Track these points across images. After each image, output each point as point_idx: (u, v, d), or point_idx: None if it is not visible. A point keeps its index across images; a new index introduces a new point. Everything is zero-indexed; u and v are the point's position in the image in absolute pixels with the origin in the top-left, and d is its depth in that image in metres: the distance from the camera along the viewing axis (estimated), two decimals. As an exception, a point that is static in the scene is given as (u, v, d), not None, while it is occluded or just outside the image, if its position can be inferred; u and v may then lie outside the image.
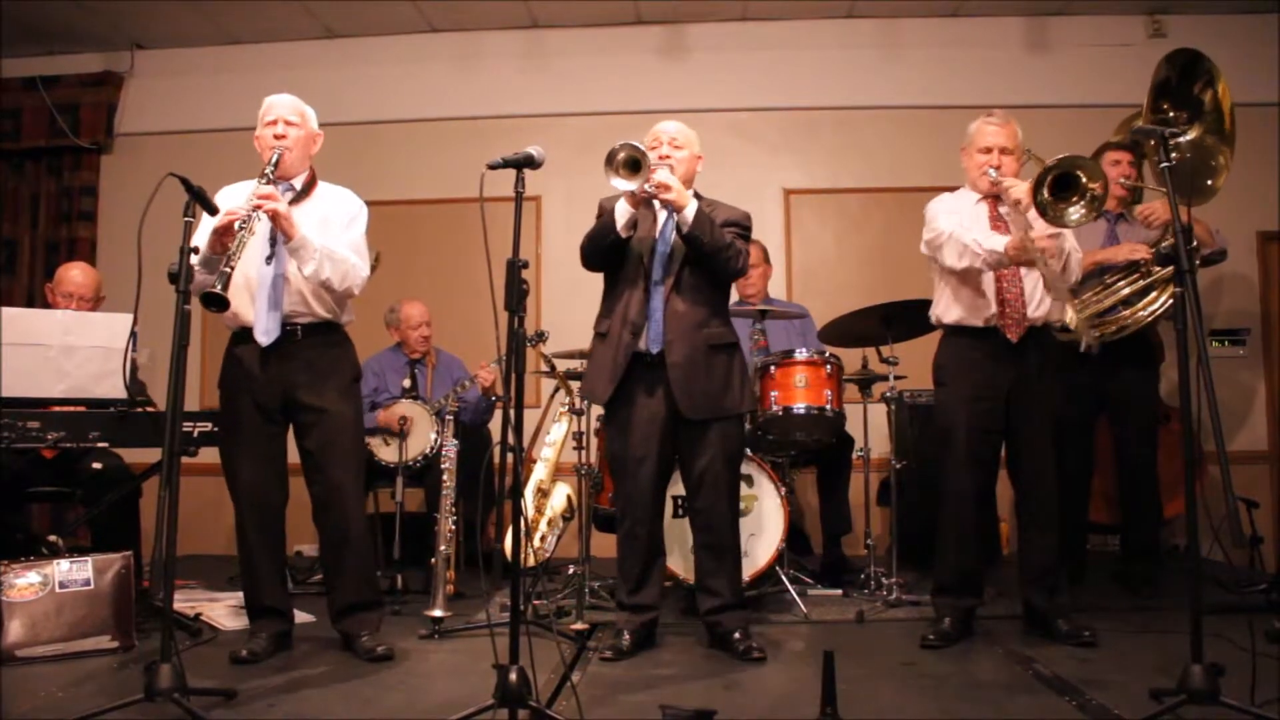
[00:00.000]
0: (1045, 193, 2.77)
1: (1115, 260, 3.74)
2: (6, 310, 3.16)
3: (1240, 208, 5.22)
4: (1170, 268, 3.57)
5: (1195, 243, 3.56)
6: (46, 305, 3.82)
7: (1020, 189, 2.93)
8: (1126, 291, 3.72)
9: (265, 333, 2.84)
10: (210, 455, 3.31)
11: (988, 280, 3.06)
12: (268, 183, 2.77)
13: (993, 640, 3.07)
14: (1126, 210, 3.92)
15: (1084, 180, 2.76)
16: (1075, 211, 2.77)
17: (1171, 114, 3.81)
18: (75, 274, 3.82)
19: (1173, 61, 3.94)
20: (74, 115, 5.65)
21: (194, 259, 2.77)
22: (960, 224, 3.06)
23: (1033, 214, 2.88)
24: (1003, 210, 3.11)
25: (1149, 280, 3.69)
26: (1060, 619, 3.02)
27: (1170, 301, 3.58)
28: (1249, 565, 4.22)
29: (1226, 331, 5.24)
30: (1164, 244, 3.67)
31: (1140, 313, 3.69)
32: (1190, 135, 3.92)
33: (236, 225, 2.63)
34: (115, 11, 5.31)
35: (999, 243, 2.96)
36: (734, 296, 3.72)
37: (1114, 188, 3.71)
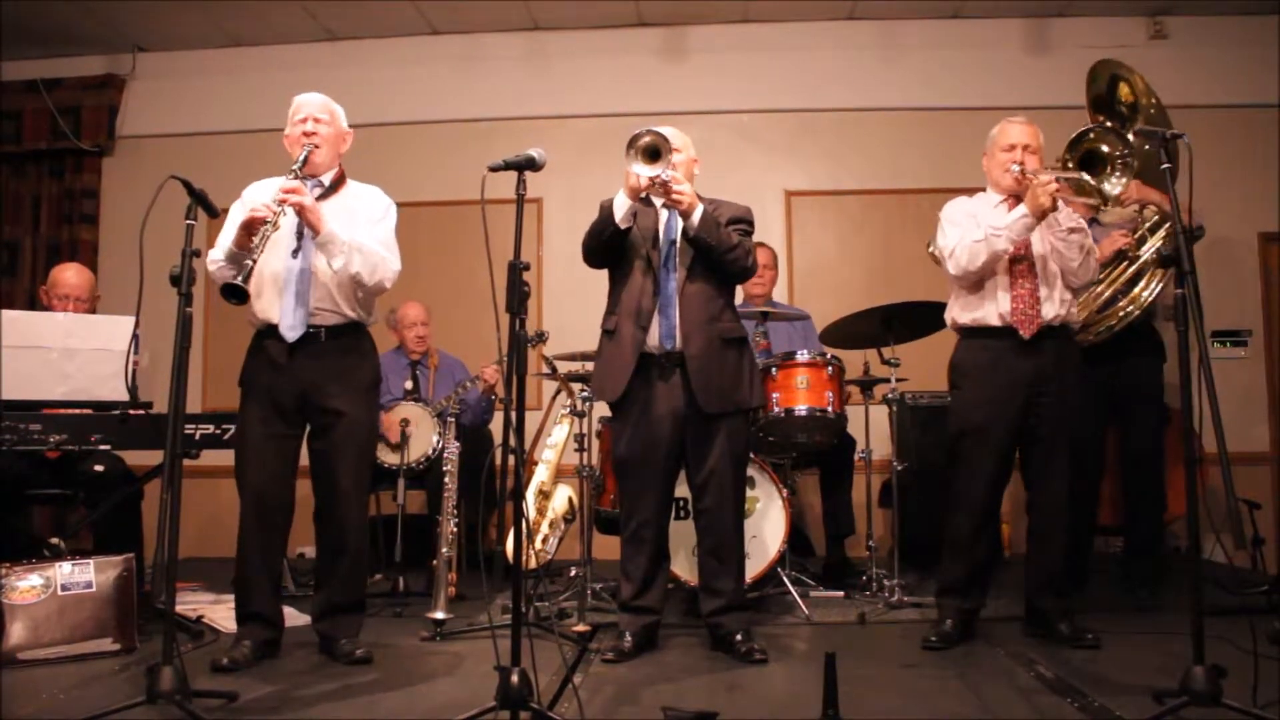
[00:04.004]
0: (1080, 175, 2.81)
1: (1104, 256, 3.81)
2: (8, 313, 3.17)
3: (1241, 208, 5.24)
4: (1153, 248, 3.80)
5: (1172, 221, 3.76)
6: (43, 307, 3.81)
7: (1049, 181, 2.94)
8: (1121, 281, 3.81)
9: (291, 328, 2.82)
10: (212, 458, 3.32)
11: (1001, 278, 3.06)
12: (294, 178, 2.77)
13: (994, 642, 3.07)
14: (1097, 214, 4.00)
15: (1106, 150, 2.81)
16: (1114, 181, 2.82)
17: (1109, 124, 3.92)
18: (70, 275, 3.80)
19: (1098, 75, 4.14)
20: (75, 117, 5.66)
21: (219, 254, 2.79)
22: (967, 231, 3.07)
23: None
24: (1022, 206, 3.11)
25: (1137, 265, 3.80)
26: (1063, 621, 3.02)
27: (1161, 285, 3.75)
28: (1250, 566, 4.22)
29: (1228, 333, 5.24)
30: (1147, 226, 3.86)
31: (1137, 300, 3.78)
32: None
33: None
34: (117, 14, 5.32)
35: (1019, 212, 2.97)
36: (739, 297, 3.72)
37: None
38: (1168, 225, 3.86)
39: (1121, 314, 3.78)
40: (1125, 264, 3.80)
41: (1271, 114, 5.21)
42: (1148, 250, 3.82)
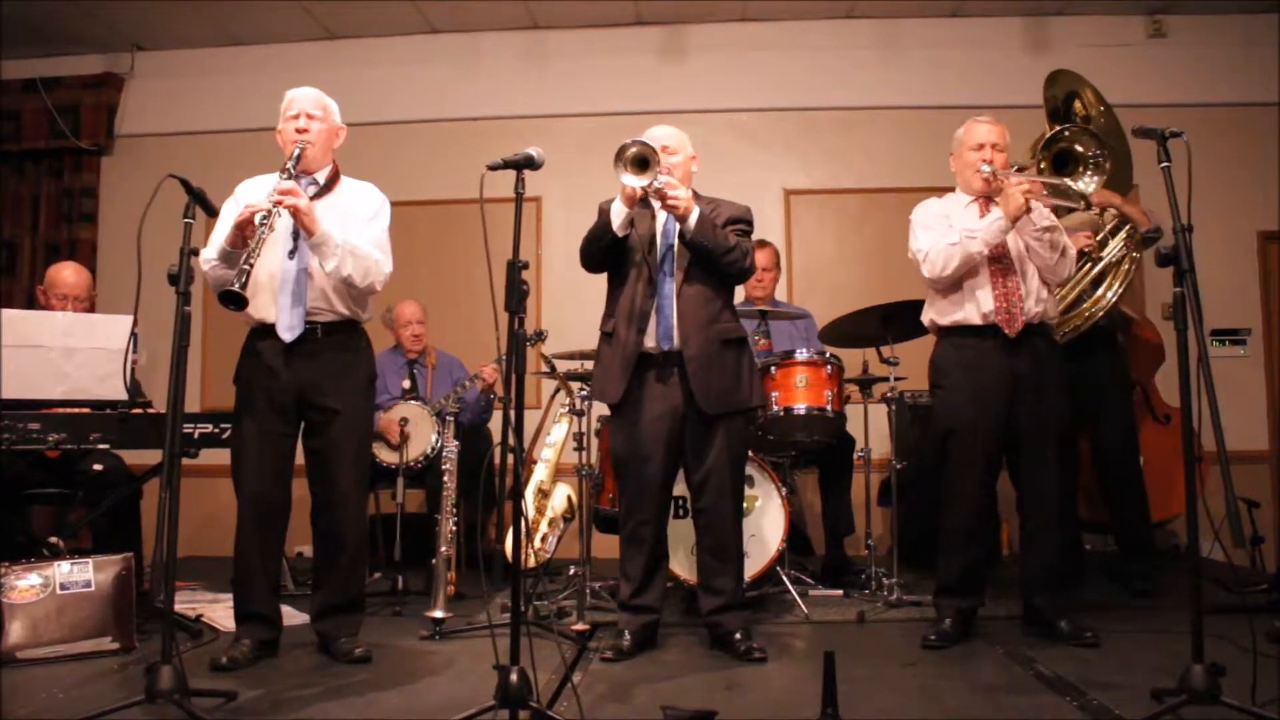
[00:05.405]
0: (1051, 175, 2.82)
1: None
2: (7, 312, 3.16)
3: (1240, 208, 5.24)
4: (1115, 250, 3.86)
5: (1131, 224, 3.89)
6: (41, 307, 3.81)
7: (1022, 182, 2.95)
8: (1085, 282, 3.85)
9: (288, 328, 2.81)
10: (211, 457, 3.32)
11: (981, 278, 3.06)
12: (289, 177, 2.75)
13: (993, 640, 3.07)
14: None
15: (1079, 150, 2.82)
16: (1088, 180, 2.83)
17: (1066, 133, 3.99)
18: (68, 275, 3.79)
19: (1054, 86, 4.17)
20: (74, 117, 5.66)
21: (213, 253, 2.77)
22: (940, 234, 3.07)
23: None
24: (995, 208, 3.11)
25: (1100, 267, 3.85)
26: (1062, 619, 3.02)
27: (1121, 286, 3.84)
28: (1250, 565, 4.22)
29: (1227, 331, 5.25)
30: (1109, 228, 3.94)
31: (1100, 301, 3.82)
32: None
33: (257, 220, 2.61)
34: (115, 13, 5.32)
35: (993, 215, 2.99)
36: (740, 296, 3.72)
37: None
38: (1128, 228, 3.89)
39: (1087, 315, 3.81)
40: (1089, 265, 3.84)
41: (1271, 113, 5.22)
42: (1109, 252, 3.87)
